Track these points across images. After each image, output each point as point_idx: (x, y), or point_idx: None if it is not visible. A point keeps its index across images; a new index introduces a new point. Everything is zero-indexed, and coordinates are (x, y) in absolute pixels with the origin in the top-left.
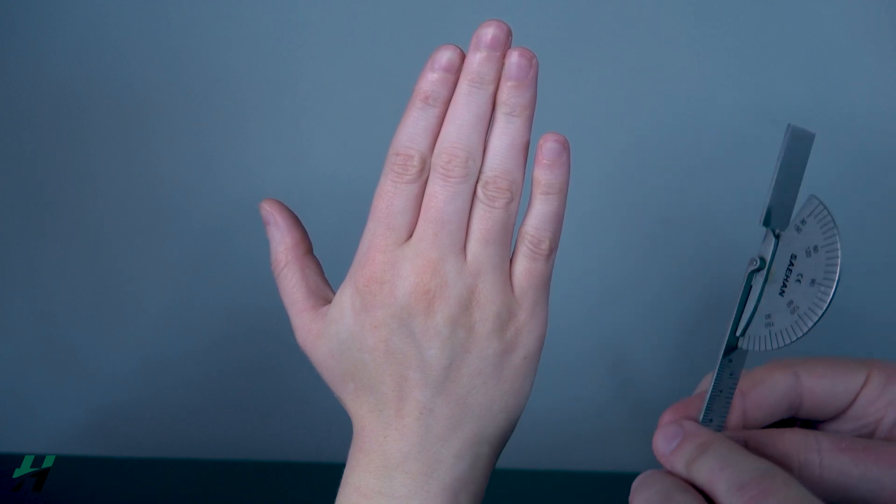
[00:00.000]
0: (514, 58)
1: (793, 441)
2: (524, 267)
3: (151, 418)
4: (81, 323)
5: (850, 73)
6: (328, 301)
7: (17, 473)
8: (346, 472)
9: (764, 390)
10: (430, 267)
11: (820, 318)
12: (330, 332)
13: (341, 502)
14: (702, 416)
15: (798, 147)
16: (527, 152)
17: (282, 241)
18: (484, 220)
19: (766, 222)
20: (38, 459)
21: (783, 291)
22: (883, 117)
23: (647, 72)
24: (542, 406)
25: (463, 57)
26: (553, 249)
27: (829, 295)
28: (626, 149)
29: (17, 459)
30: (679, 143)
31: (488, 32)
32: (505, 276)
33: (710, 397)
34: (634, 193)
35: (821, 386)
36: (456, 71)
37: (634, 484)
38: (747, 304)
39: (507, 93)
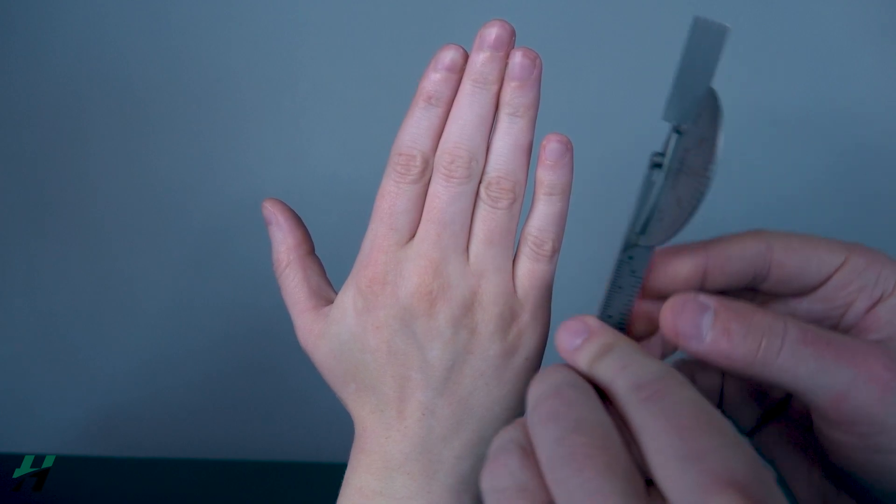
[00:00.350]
0: (517, 58)
1: (760, 322)
2: (527, 268)
3: (151, 418)
4: (81, 323)
5: (850, 73)
6: (330, 301)
7: (17, 473)
8: (348, 472)
9: (730, 253)
10: (433, 268)
11: (694, 210)
12: (331, 333)
13: (342, 503)
14: (599, 312)
15: (704, 40)
16: (530, 153)
17: (284, 242)
18: (487, 221)
19: (667, 117)
20: (38, 459)
21: (675, 186)
22: (883, 117)
23: (647, 72)
24: None
25: (466, 57)
26: (556, 250)
27: (705, 186)
28: (626, 149)
29: (17, 459)
30: None
31: (492, 32)
32: (507, 277)
33: (608, 292)
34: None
35: (793, 261)
36: (459, 71)
37: (534, 377)
38: (648, 201)
39: (510, 93)
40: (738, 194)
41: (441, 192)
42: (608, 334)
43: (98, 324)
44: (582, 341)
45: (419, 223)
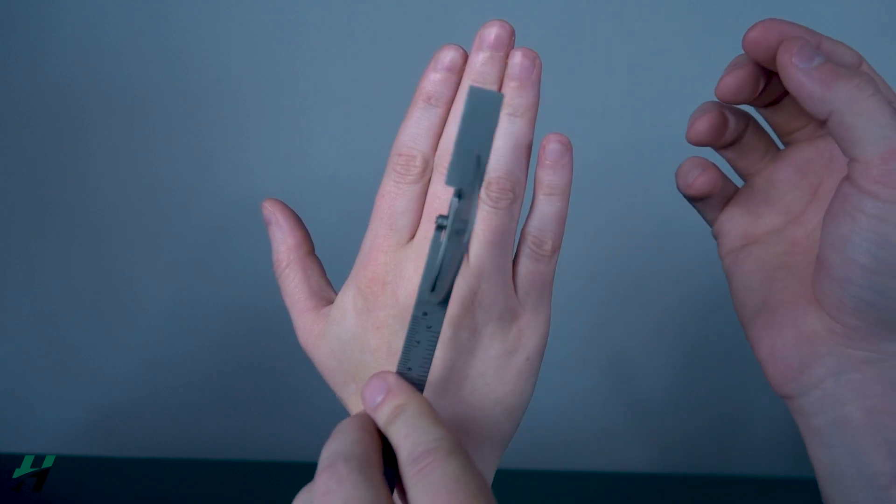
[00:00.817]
0: (517, 58)
1: (859, 74)
2: (527, 268)
3: (151, 418)
4: (81, 323)
5: None
6: (330, 301)
7: (17, 473)
8: None
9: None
10: None
11: (458, 267)
12: (332, 333)
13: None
14: (399, 367)
15: (481, 108)
16: (530, 153)
17: (284, 242)
18: (487, 221)
19: (449, 181)
20: (38, 459)
21: (453, 245)
22: None
23: (647, 72)
24: (543, 406)
25: (466, 57)
26: (556, 250)
27: (464, 244)
28: (626, 149)
29: (17, 459)
30: (679, 144)
31: (491, 32)
32: (507, 276)
33: (405, 348)
34: (635, 194)
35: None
36: (459, 71)
37: (331, 434)
38: (435, 262)
39: (510, 93)
40: None
41: (441, 193)
42: (402, 395)
43: (98, 324)
44: (381, 399)
45: (419, 223)
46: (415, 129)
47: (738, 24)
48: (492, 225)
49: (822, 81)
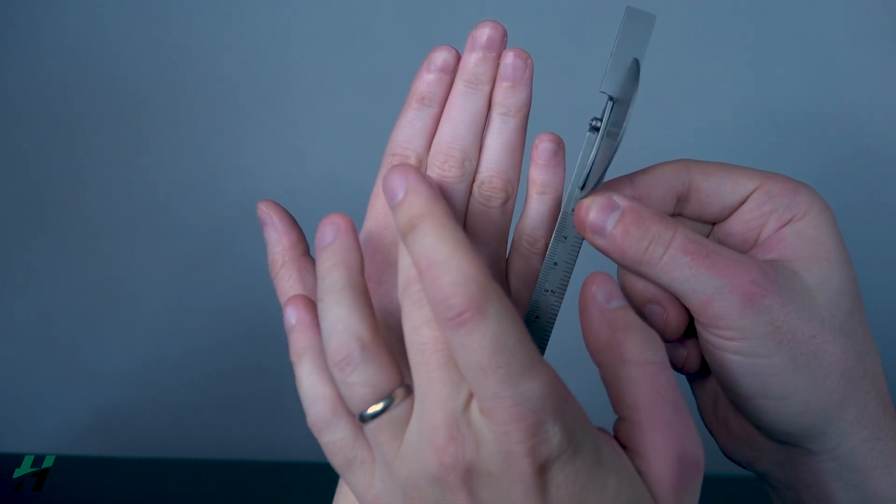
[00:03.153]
0: (509, 59)
1: (653, 228)
2: (520, 266)
3: (151, 418)
4: (81, 323)
5: (850, 73)
6: None
7: (17, 473)
8: None
9: (651, 181)
10: None
11: (607, 166)
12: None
13: (339, 502)
14: (535, 290)
15: (636, 26)
16: (522, 152)
17: (279, 242)
18: (480, 220)
19: (605, 87)
20: (38, 459)
21: (605, 147)
22: (883, 117)
23: (646, 72)
24: None
25: (458, 58)
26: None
27: (616, 144)
28: (625, 149)
29: (17, 459)
30: (679, 144)
31: (484, 33)
32: (500, 275)
33: (544, 269)
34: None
35: (708, 183)
36: (451, 71)
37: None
38: (588, 160)
39: (502, 93)
40: None
41: None
42: (417, 202)
43: (98, 324)
44: (401, 196)
45: None
46: (409, 130)
47: (738, 23)
48: (484, 223)
49: (619, 254)
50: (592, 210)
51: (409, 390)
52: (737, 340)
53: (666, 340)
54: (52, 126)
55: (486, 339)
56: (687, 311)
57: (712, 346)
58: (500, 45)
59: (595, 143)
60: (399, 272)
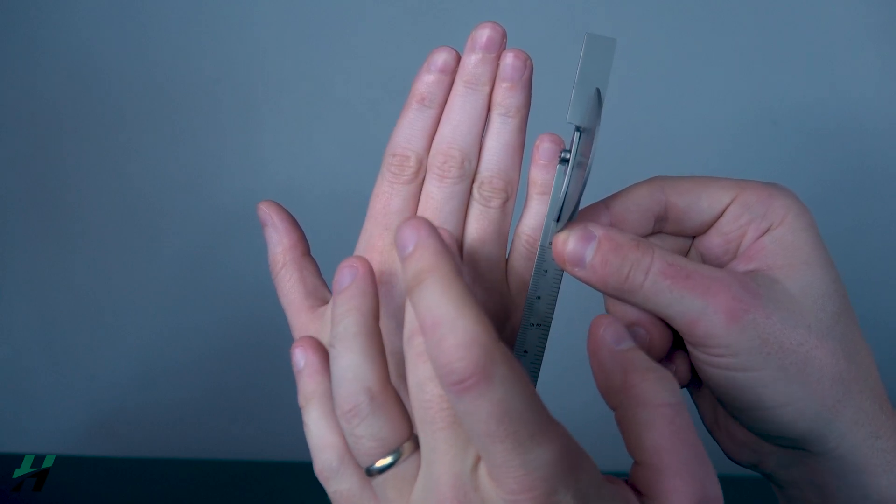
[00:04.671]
0: (508, 59)
1: (632, 255)
2: (521, 266)
3: (151, 418)
4: (81, 323)
5: (850, 73)
6: (326, 301)
7: (17, 473)
8: None
9: (628, 205)
10: None
11: (580, 196)
12: (328, 333)
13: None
14: (527, 294)
15: (597, 53)
16: (522, 152)
17: (279, 243)
18: (480, 220)
19: (570, 118)
20: (38, 459)
21: (575, 177)
22: (883, 117)
23: (646, 72)
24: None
25: (458, 58)
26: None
27: (587, 173)
28: (625, 149)
29: (17, 459)
30: (679, 144)
31: (483, 34)
32: (501, 275)
33: (534, 277)
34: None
35: (684, 200)
36: (451, 72)
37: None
38: (560, 193)
39: (502, 94)
40: None
41: (435, 193)
42: (425, 257)
43: (98, 324)
44: (410, 250)
45: None
46: (409, 130)
47: (738, 23)
48: (485, 224)
49: (600, 283)
50: (570, 242)
51: (417, 444)
52: (726, 357)
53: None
54: (53, 127)
55: (493, 406)
56: (670, 330)
57: (703, 363)
58: (500, 45)
59: (566, 175)
60: (405, 322)
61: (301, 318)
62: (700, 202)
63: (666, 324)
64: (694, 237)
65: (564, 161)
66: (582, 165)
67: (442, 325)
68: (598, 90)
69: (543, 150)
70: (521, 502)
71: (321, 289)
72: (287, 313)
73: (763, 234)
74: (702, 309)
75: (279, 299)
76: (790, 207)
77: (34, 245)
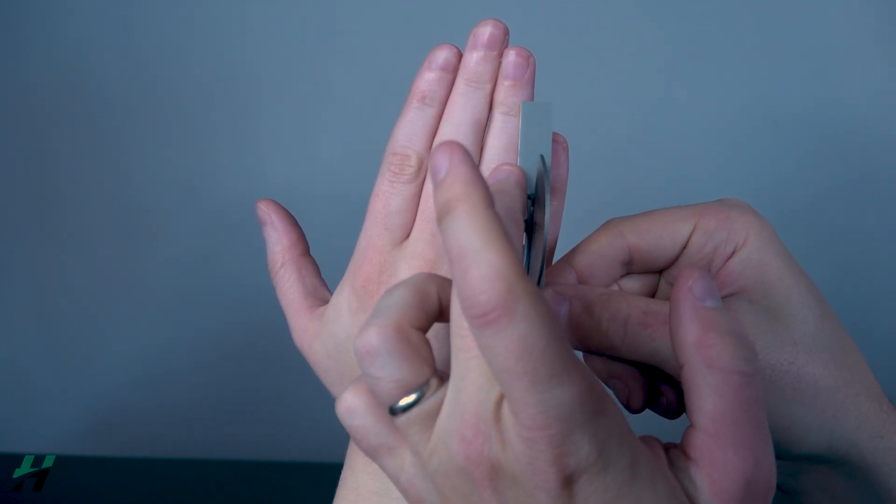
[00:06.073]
0: (511, 57)
1: (605, 311)
2: None
3: (151, 418)
4: (81, 323)
5: (850, 73)
6: (325, 301)
7: (17, 473)
8: (344, 472)
9: (592, 258)
10: (427, 267)
11: (544, 258)
12: (327, 333)
13: (339, 503)
14: None
15: (535, 119)
16: None
17: (279, 242)
18: None
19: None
20: (38, 459)
21: (536, 242)
22: (883, 117)
23: (646, 72)
24: None
25: (460, 56)
26: (552, 248)
27: (544, 236)
28: (625, 149)
29: (17, 459)
30: (679, 143)
31: (485, 31)
32: None
33: None
34: (634, 194)
35: (646, 241)
36: (453, 70)
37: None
38: (522, 259)
39: (504, 92)
40: (738, 194)
41: None
42: (455, 185)
43: (98, 324)
44: (441, 176)
45: (413, 223)
46: (409, 129)
47: (738, 23)
48: None
49: (583, 346)
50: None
51: (441, 380)
52: None
53: (632, 411)
54: (52, 128)
55: (513, 343)
56: (648, 379)
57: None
58: (502, 43)
59: (525, 243)
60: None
61: (300, 318)
62: (662, 240)
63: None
64: (661, 271)
65: (524, 230)
66: (539, 227)
67: (467, 256)
68: (542, 157)
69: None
70: (535, 440)
71: (320, 289)
72: (286, 313)
73: (729, 258)
74: (692, 353)
75: (278, 299)
76: (750, 225)
77: (34, 246)
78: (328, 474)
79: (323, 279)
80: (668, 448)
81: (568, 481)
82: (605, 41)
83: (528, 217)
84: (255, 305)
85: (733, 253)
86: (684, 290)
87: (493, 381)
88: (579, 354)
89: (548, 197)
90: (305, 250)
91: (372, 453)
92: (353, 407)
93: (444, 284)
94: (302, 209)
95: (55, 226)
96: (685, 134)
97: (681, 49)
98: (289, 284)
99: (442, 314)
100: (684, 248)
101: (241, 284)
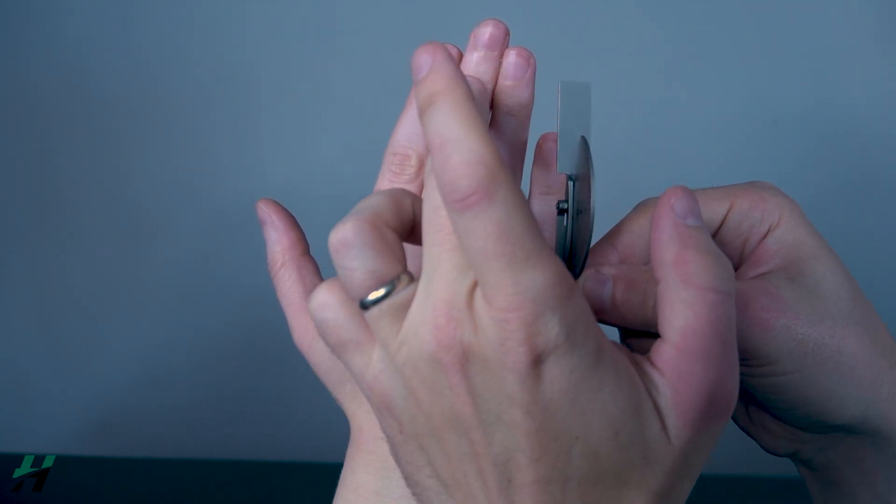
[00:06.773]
0: (511, 57)
1: (648, 292)
2: None
3: (152, 418)
4: (81, 323)
5: (850, 73)
6: None
7: (17, 473)
8: (344, 472)
9: (632, 238)
10: None
11: (589, 241)
12: None
13: (339, 503)
14: None
15: (574, 99)
16: (524, 152)
17: (279, 242)
18: None
19: (561, 168)
20: (38, 459)
21: (577, 225)
22: (883, 117)
23: (646, 72)
24: None
25: (460, 57)
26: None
27: (591, 218)
28: (625, 149)
29: (17, 459)
30: (679, 143)
31: (486, 32)
32: None
33: None
34: (634, 194)
35: None
36: None
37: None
38: (564, 243)
39: (504, 92)
40: None
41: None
42: (438, 80)
43: (98, 324)
44: (424, 73)
45: None
46: (410, 129)
47: (738, 23)
48: None
49: (624, 321)
50: (585, 289)
51: (412, 277)
52: (766, 366)
53: None
54: (54, 128)
55: (492, 225)
56: None
57: (743, 375)
58: (503, 43)
59: (568, 225)
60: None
61: (300, 318)
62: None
63: None
64: None
65: (563, 212)
66: (585, 212)
67: (449, 144)
68: (583, 138)
69: (547, 149)
70: (508, 321)
71: None
72: (286, 313)
73: (764, 237)
74: (739, 326)
75: (278, 299)
76: (783, 206)
77: (34, 246)
78: (328, 474)
79: (323, 279)
80: (634, 357)
81: (537, 361)
82: (605, 41)
83: (570, 199)
84: (255, 305)
85: (767, 232)
86: (666, 208)
87: (465, 271)
88: (617, 335)
89: (593, 178)
90: (305, 250)
91: (340, 349)
92: (325, 301)
93: (418, 200)
94: (302, 209)
95: (55, 226)
96: (685, 134)
97: (681, 49)
98: (289, 284)
99: (414, 231)
100: (720, 227)
101: (241, 284)
